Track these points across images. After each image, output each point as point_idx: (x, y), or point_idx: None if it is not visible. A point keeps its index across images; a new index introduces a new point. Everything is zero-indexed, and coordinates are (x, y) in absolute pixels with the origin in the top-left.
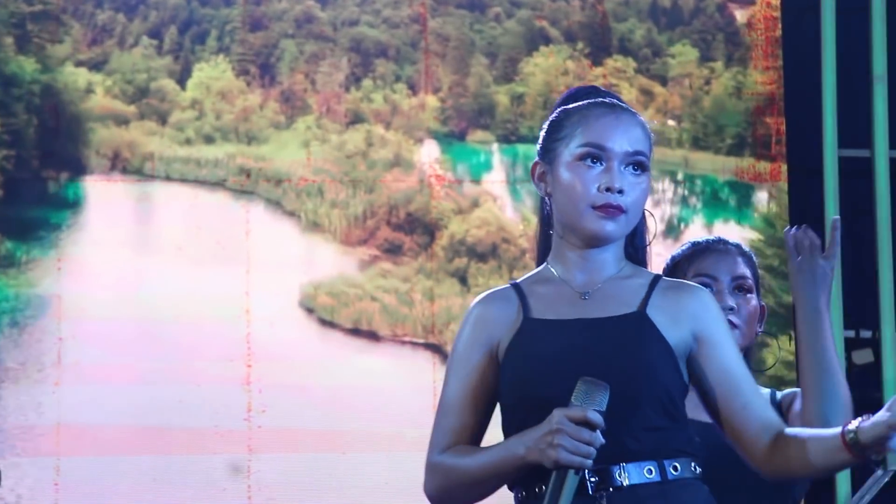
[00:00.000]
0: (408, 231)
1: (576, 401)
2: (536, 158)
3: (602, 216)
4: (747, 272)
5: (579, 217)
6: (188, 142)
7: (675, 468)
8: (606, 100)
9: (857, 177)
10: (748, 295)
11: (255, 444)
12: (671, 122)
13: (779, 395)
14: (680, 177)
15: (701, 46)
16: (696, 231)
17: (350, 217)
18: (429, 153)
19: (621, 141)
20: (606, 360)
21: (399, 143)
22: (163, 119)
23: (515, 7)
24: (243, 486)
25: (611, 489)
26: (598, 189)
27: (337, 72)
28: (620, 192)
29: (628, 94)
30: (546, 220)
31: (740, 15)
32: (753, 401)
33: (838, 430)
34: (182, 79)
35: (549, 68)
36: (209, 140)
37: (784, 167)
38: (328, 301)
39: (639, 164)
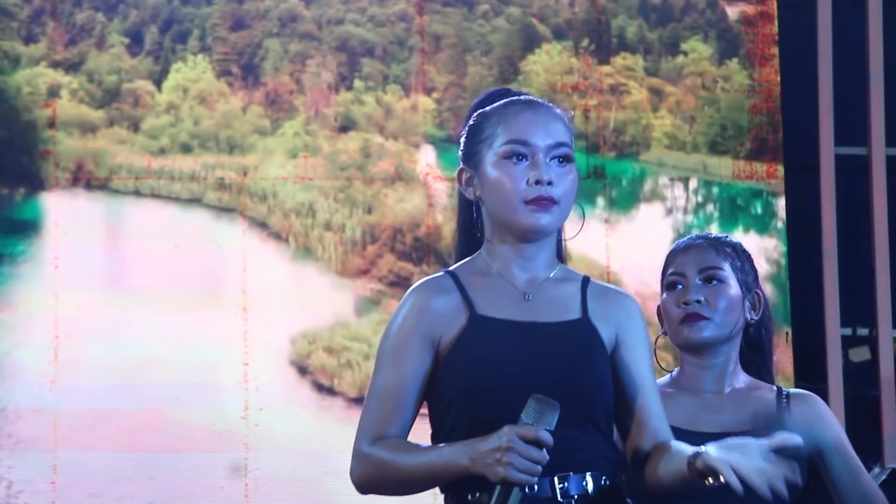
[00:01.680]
0: (416, 260)
1: (526, 418)
2: (461, 165)
3: (535, 209)
4: (719, 262)
5: (512, 213)
6: (162, 151)
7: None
8: (523, 97)
9: (853, 174)
10: (721, 284)
11: (253, 443)
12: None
13: (786, 390)
14: (694, 183)
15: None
16: None
17: (347, 242)
18: (426, 160)
19: (543, 135)
20: (560, 369)
21: (399, 154)
22: (135, 125)
23: (504, 4)
24: (241, 484)
25: (576, 496)
26: (528, 183)
27: (324, 72)
28: (550, 183)
29: (638, 93)
30: (471, 224)
31: (732, 11)
32: (649, 407)
33: (689, 451)
34: (158, 81)
35: (553, 67)
36: (186, 149)
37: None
38: (326, 359)
39: (563, 156)
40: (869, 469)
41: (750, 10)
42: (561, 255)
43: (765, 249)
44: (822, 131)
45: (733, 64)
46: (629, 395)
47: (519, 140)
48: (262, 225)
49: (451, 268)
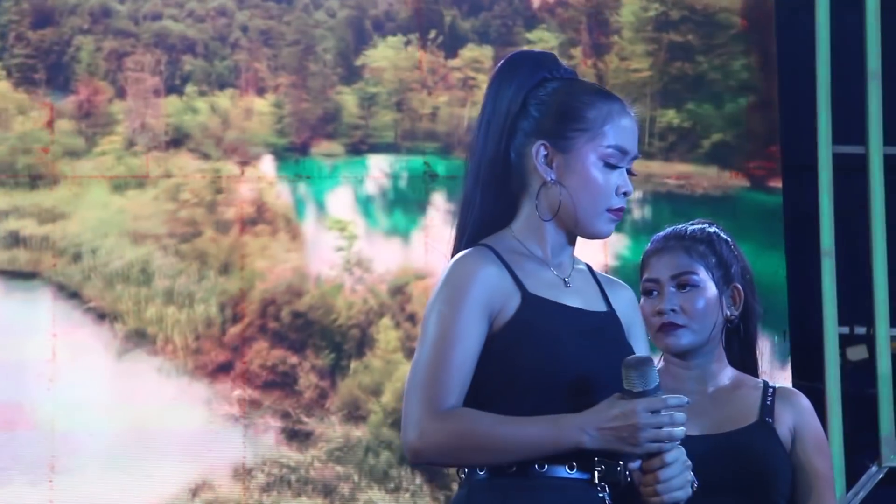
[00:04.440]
0: (298, 346)
1: (637, 384)
2: (542, 140)
3: (613, 219)
4: (692, 266)
5: (595, 216)
6: None
7: None
8: (619, 97)
9: (851, 173)
10: (695, 289)
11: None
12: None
13: (772, 385)
14: None
15: (503, 32)
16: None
17: (198, 321)
18: (268, 170)
19: (635, 145)
20: (612, 358)
21: (257, 183)
22: None
23: None
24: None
25: (611, 483)
26: (617, 192)
27: (148, 76)
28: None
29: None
30: (503, 186)
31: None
32: None
33: None
34: None
35: (400, 62)
36: None
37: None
38: None
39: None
40: (866, 468)
41: None
42: None
43: None
44: (819, 130)
45: (577, 52)
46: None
47: (623, 149)
48: (74, 296)
49: (487, 242)
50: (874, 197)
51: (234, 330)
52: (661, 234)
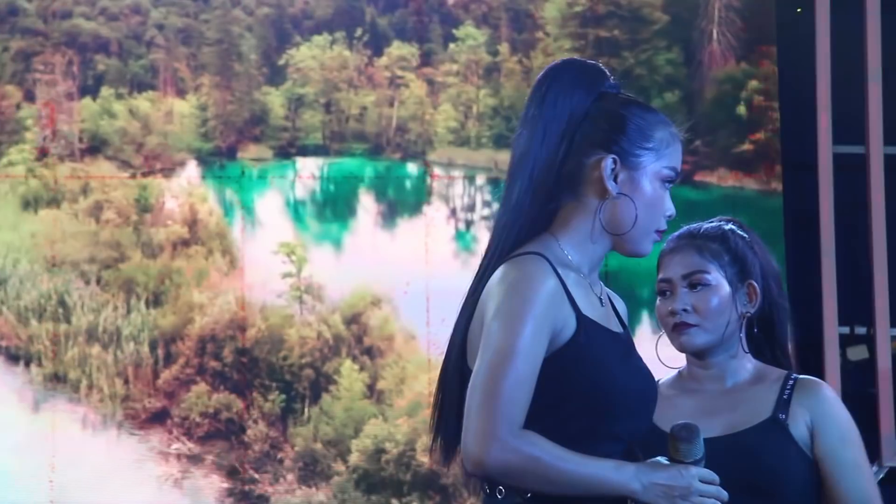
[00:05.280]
0: (244, 387)
1: (687, 456)
2: (612, 155)
3: (656, 239)
4: (703, 265)
5: (646, 235)
6: None
7: None
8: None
9: (851, 173)
10: (706, 288)
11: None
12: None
13: (794, 377)
14: (481, 180)
15: (419, 28)
16: None
17: (128, 362)
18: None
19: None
20: (640, 380)
21: (187, 197)
22: None
23: None
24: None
25: None
26: (664, 214)
27: (60, 80)
28: None
29: (417, 87)
30: (549, 194)
31: None
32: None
33: None
34: None
35: (328, 62)
36: None
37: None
38: None
39: None
40: None
41: None
42: None
43: None
44: (819, 130)
45: (503, 49)
46: None
47: (677, 171)
48: None
49: (535, 251)
50: (874, 196)
51: (168, 372)
52: (676, 233)
